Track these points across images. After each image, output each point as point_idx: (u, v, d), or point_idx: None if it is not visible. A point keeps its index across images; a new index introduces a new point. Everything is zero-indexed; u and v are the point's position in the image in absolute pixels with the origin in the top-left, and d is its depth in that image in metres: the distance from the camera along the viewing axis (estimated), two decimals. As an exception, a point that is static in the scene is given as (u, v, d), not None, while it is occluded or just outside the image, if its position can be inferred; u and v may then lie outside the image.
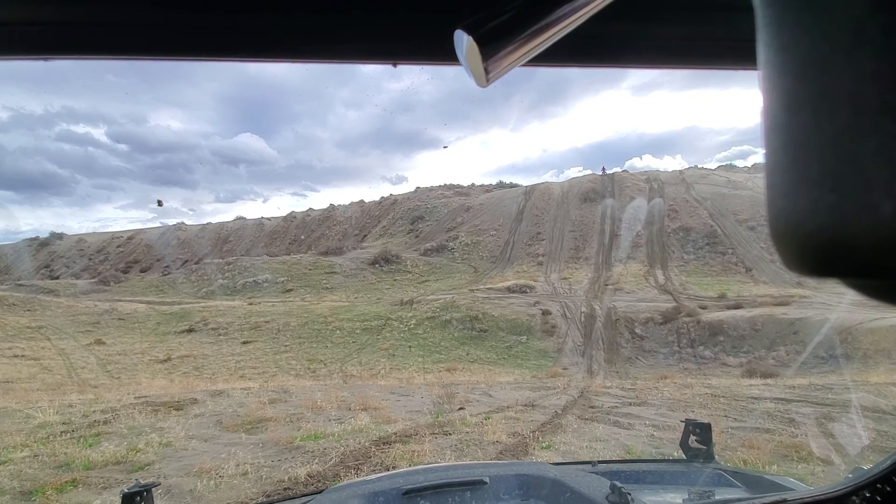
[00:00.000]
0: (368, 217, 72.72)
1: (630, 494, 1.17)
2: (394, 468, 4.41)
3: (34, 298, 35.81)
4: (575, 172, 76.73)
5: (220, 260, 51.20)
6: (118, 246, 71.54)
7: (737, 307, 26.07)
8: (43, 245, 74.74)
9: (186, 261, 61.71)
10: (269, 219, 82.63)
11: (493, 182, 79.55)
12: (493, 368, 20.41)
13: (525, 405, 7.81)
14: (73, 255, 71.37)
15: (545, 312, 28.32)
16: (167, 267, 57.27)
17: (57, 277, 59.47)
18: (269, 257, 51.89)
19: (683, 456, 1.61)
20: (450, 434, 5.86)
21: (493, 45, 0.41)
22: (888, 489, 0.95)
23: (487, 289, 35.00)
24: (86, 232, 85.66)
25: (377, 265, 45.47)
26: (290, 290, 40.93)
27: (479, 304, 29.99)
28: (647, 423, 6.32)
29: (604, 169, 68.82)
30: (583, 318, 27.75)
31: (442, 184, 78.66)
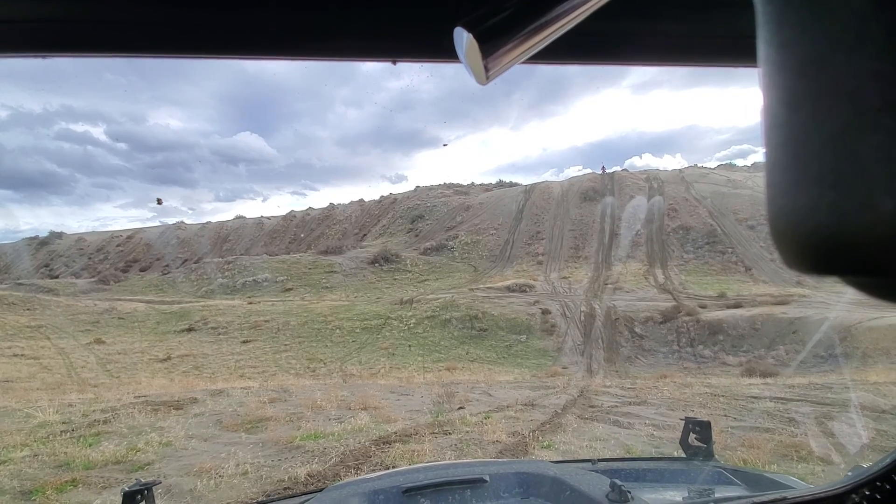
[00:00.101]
0: (368, 216, 72.70)
1: (630, 493, 1.17)
2: (394, 468, 4.41)
3: (34, 297, 35.80)
4: (575, 171, 76.98)
5: (220, 259, 51.19)
6: (118, 245, 71.49)
7: (736, 306, 26.09)
8: (42, 244, 74.70)
9: (186, 260, 61.68)
10: (268, 218, 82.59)
11: (493, 181, 79.59)
12: (492, 367, 20.42)
13: (525, 404, 7.82)
14: (72, 254, 71.33)
15: (545, 311, 28.33)
16: (167, 266, 57.24)
17: (56, 276, 59.44)
18: (269, 256, 51.88)
19: (683, 454, 1.61)
20: (450, 433, 5.86)
21: (493, 42, 0.41)
22: (888, 487, 0.96)
23: (487, 288, 35.01)
24: (85, 231, 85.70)
25: (377, 264, 45.46)
26: (290, 289, 40.93)
27: (479, 303, 30.00)
28: (647, 422, 6.33)
29: (603, 168, 68.77)
30: (582, 318, 27.76)
31: (442, 183, 78.67)
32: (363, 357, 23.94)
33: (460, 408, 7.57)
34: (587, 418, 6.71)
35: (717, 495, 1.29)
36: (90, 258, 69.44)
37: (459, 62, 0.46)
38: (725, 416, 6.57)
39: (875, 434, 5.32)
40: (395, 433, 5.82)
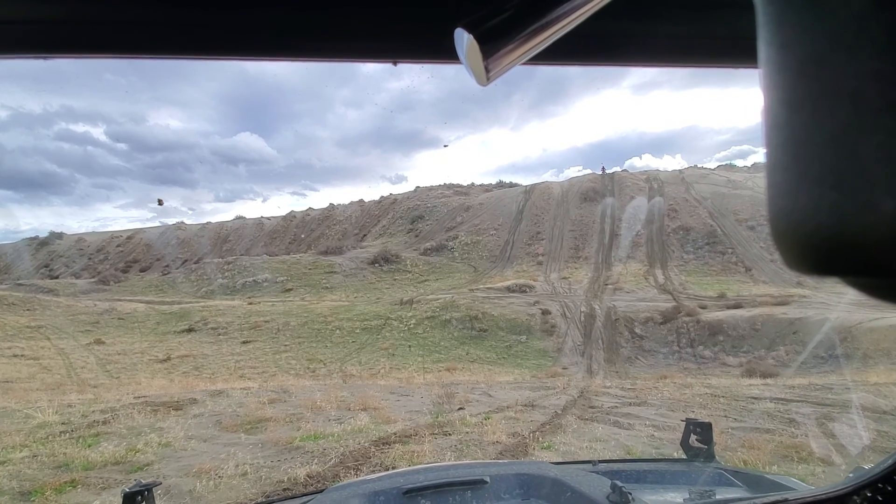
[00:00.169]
0: (368, 216, 72.70)
1: (631, 494, 1.16)
2: (393, 468, 4.41)
3: (34, 298, 35.79)
4: (575, 172, 76.90)
5: (220, 259, 51.18)
6: (118, 245, 71.50)
7: (736, 307, 26.08)
8: (42, 244, 74.71)
9: (186, 260, 61.69)
10: (268, 218, 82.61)
11: (493, 181, 79.61)
12: (492, 368, 20.41)
13: (525, 405, 7.81)
14: (72, 254, 71.33)
15: (545, 312, 28.32)
16: (167, 266, 57.23)
17: (56, 277, 59.44)
18: (269, 257, 51.87)
19: (684, 455, 1.61)
20: (450, 434, 5.86)
21: (493, 43, 0.41)
22: (889, 489, 0.95)
23: (487, 288, 35.00)
24: (85, 231, 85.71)
25: (377, 265, 45.47)
26: (290, 289, 40.92)
27: (479, 303, 29.99)
28: (647, 423, 6.32)
29: (604, 168, 68.91)
30: (582, 318, 27.75)
31: (442, 183, 78.68)
32: (363, 357, 23.93)
33: (460, 408, 7.56)
34: (587, 419, 6.71)
35: (717, 497, 1.29)
36: (90, 258, 69.44)
37: (460, 63, 0.46)
38: (726, 416, 6.56)
39: (876, 435, 5.31)
40: (395, 434, 5.81)
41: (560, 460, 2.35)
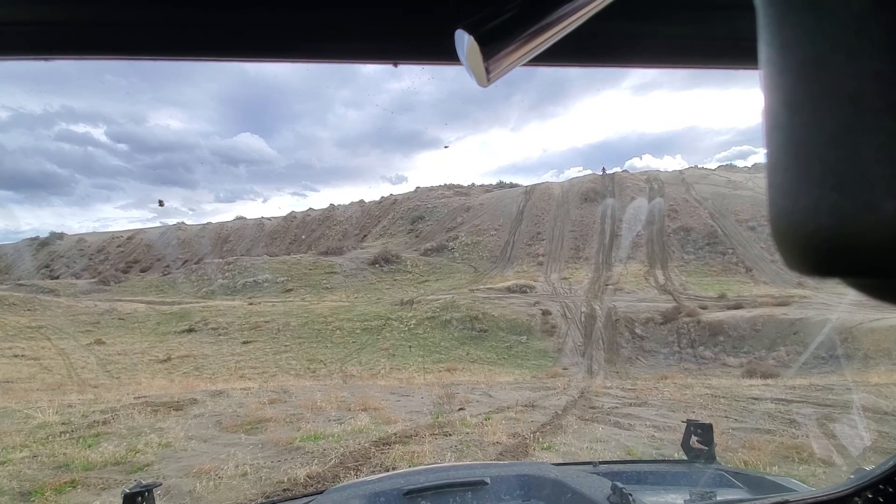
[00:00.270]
0: (368, 217, 72.73)
1: (631, 495, 1.16)
2: (394, 469, 4.41)
3: (34, 298, 35.82)
4: (575, 172, 76.79)
5: (221, 260, 51.20)
6: (118, 246, 71.55)
7: (737, 307, 26.06)
8: (43, 245, 74.76)
9: (186, 261, 61.71)
10: (269, 219, 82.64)
11: (494, 182, 79.59)
12: (493, 368, 20.41)
13: (525, 406, 7.81)
14: (73, 254, 71.39)
15: (545, 312, 28.31)
16: (167, 267, 57.27)
17: (57, 277, 59.48)
18: (270, 257, 51.90)
19: (685, 456, 1.61)
20: (450, 435, 5.86)
21: (493, 44, 0.41)
22: (890, 490, 0.95)
23: (487, 289, 35.00)
24: (86, 232, 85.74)
25: (377, 265, 45.47)
26: (291, 289, 40.93)
27: (480, 304, 29.98)
28: (648, 423, 6.32)
29: (604, 169, 68.84)
30: (583, 318, 27.74)
31: (442, 184, 78.67)
32: (363, 358, 23.93)
33: (460, 409, 7.56)
34: (588, 420, 6.70)
35: (718, 498, 1.29)
36: (91, 259, 69.49)
37: (460, 64, 0.46)
38: (726, 417, 6.56)
39: (877, 436, 5.30)
40: (395, 434, 5.81)
41: (560, 461, 2.35)
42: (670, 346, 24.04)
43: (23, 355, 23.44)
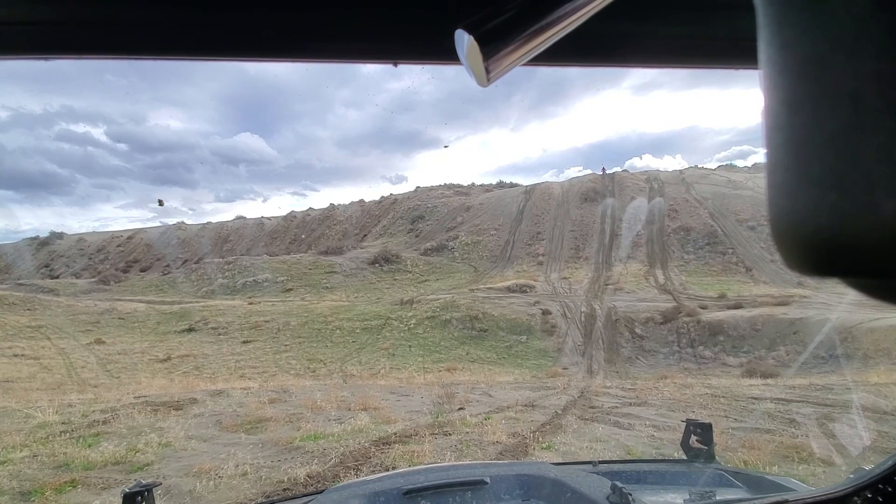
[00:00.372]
0: (368, 217, 72.71)
1: (631, 495, 1.16)
2: (393, 469, 4.41)
3: (34, 298, 35.81)
4: (575, 172, 76.77)
5: (221, 259, 51.20)
6: (118, 245, 71.54)
7: (737, 307, 26.06)
8: (43, 244, 74.75)
9: (186, 260, 61.71)
10: (269, 218, 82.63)
11: (494, 182, 79.59)
12: (493, 368, 20.41)
13: (525, 405, 7.81)
14: (73, 254, 71.38)
15: (545, 312, 28.32)
16: (167, 266, 57.26)
17: (57, 277, 59.47)
18: (269, 257, 51.89)
19: (684, 456, 1.61)
20: (450, 434, 5.86)
21: (493, 44, 0.41)
22: (889, 489, 0.95)
23: (487, 288, 35.00)
24: (86, 231, 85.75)
25: (377, 265, 45.47)
26: (290, 289, 40.93)
27: (479, 303, 29.98)
28: (648, 423, 6.32)
29: (604, 169, 68.91)
30: (583, 318, 27.74)
31: (442, 183, 78.69)
32: (363, 357, 23.93)
33: (460, 408, 7.56)
34: (587, 419, 6.71)
35: (718, 498, 1.29)
36: (91, 258, 69.48)
37: (460, 64, 0.46)
38: (726, 417, 6.56)
39: (877, 436, 5.30)
40: (395, 434, 5.81)
41: (560, 461, 2.35)
42: (670, 345, 24.04)
43: (23, 355, 23.44)
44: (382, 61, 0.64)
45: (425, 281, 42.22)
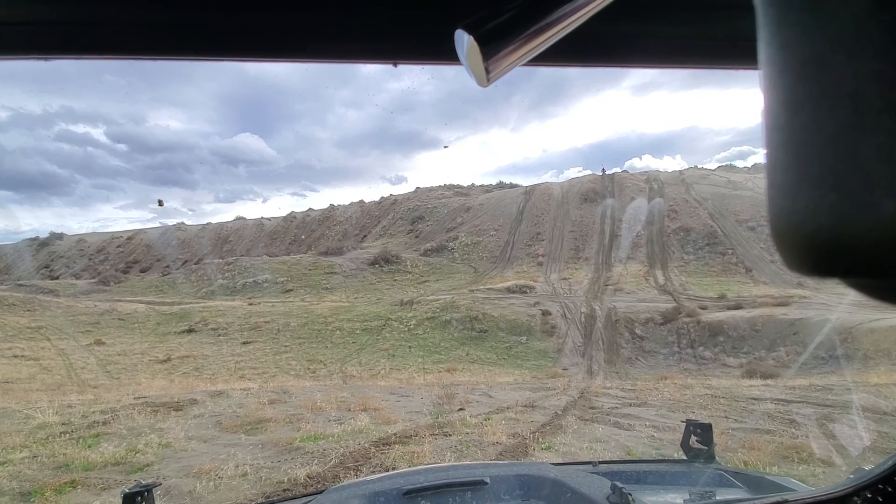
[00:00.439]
0: (368, 217, 72.72)
1: (631, 495, 1.16)
2: (393, 469, 4.41)
3: (34, 298, 35.80)
4: (575, 172, 76.77)
5: (220, 260, 51.20)
6: (118, 246, 71.53)
7: (737, 307, 26.05)
8: (43, 245, 74.73)
9: (186, 261, 61.70)
10: (269, 219, 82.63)
11: (493, 182, 79.58)
12: (493, 369, 20.40)
13: (525, 406, 7.81)
14: (73, 255, 71.36)
15: (545, 313, 28.31)
16: (167, 267, 57.25)
17: (57, 277, 59.45)
18: (269, 257, 51.89)
19: (684, 456, 1.61)
20: (450, 435, 5.85)
21: (493, 44, 0.41)
22: (889, 490, 0.95)
23: (487, 289, 35.00)
24: (86, 232, 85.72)
25: (377, 265, 45.47)
26: (290, 290, 40.93)
27: (479, 304, 29.98)
28: (648, 423, 6.32)
29: (604, 169, 68.85)
30: (583, 319, 27.74)
31: (442, 184, 78.65)
32: (363, 358, 23.92)
33: (460, 409, 7.56)
34: (587, 420, 6.70)
35: (718, 498, 1.29)
36: (90, 259, 69.48)
37: (460, 64, 0.46)
38: (726, 417, 6.56)
39: (877, 436, 5.30)
40: (395, 435, 5.81)
41: (560, 461, 2.35)
42: (670, 346, 24.04)
43: (23, 356, 23.42)
44: (382, 61, 0.64)
45: (425, 282, 42.22)
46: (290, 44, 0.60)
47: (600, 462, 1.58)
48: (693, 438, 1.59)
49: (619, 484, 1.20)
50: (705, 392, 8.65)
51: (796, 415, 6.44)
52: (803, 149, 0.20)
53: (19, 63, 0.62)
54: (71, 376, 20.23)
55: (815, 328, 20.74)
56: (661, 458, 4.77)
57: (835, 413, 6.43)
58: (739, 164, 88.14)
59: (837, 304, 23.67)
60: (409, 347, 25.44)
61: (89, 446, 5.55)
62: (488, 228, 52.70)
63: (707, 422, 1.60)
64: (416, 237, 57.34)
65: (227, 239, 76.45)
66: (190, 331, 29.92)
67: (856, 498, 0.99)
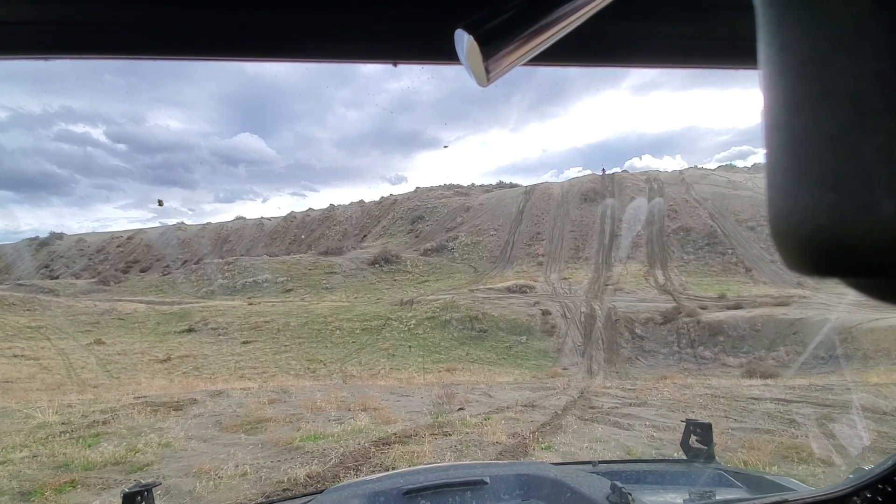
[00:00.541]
0: (368, 217, 72.72)
1: (631, 495, 1.16)
2: (393, 469, 4.41)
3: (34, 298, 35.80)
4: (575, 172, 76.70)
5: (220, 260, 51.20)
6: (118, 246, 71.53)
7: (737, 307, 26.06)
8: (43, 245, 74.71)
9: (186, 261, 61.70)
10: (268, 219, 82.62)
11: (493, 182, 79.60)
12: (492, 368, 20.41)
13: (525, 406, 7.81)
14: (72, 254, 71.35)
15: (545, 312, 28.32)
16: (167, 267, 57.25)
17: (57, 277, 59.44)
18: (269, 257, 51.88)
19: (684, 456, 1.61)
20: (449, 435, 5.86)
21: (493, 44, 0.41)
22: (889, 489, 0.95)
23: (487, 289, 35.00)
24: (85, 232, 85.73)
25: (377, 265, 45.47)
26: (290, 289, 40.93)
27: (479, 304, 29.98)
28: (647, 423, 6.32)
29: (603, 169, 68.88)
30: (583, 319, 27.74)
31: (442, 184, 78.65)
32: (363, 358, 23.93)
33: (460, 409, 7.56)
34: (587, 419, 6.71)
35: (717, 497, 1.29)
36: (90, 259, 69.46)
37: (460, 64, 0.46)
38: (726, 417, 6.56)
39: (876, 436, 5.30)
40: (395, 434, 5.81)
41: (560, 461, 2.35)
42: (670, 346, 24.04)
43: (22, 355, 23.42)
44: (382, 61, 0.64)
45: (425, 281, 42.22)
46: (290, 44, 0.60)
47: (600, 462, 1.58)
48: (693, 438, 1.59)
49: (618, 484, 1.20)
50: (705, 392, 8.65)
51: (796, 414, 6.44)
52: (803, 149, 0.20)
53: (19, 63, 0.62)
54: (71, 376, 20.23)
55: (815, 328, 20.75)
56: (660, 457, 4.77)
57: (835, 413, 6.43)
58: (739, 163, 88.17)
59: (837, 303, 23.68)
60: (409, 347, 25.44)
61: (89, 446, 5.55)
62: (488, 228, 52.69)
63: (707, 421, 1.60)
64: (416, 237, 57.34)
65: (227, 239, 76.44)
66: (190, 330, 29.92)
67: (855, 498, 0.99)
